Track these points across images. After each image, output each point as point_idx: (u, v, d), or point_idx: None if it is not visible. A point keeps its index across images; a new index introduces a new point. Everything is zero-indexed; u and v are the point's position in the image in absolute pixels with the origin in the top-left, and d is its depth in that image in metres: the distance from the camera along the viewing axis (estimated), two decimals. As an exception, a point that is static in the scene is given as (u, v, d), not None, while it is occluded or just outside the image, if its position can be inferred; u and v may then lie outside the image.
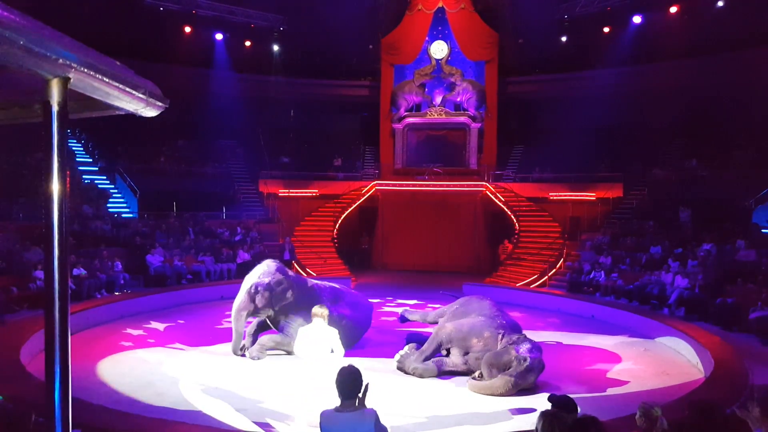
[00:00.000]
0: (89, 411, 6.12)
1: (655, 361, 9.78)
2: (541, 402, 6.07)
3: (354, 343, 9.78)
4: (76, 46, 1.73)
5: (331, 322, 6.73)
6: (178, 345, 10.33)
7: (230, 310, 9.57)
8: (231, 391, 7.81)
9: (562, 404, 3.52)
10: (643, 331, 11.86)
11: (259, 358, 9.39)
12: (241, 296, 9.41)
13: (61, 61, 1.65)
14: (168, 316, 12.77)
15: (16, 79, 1.84)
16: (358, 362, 8.50)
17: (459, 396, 7.78)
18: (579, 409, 3.59)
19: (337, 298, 10.02)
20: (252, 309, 9.36)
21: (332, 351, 6.16)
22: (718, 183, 18.07)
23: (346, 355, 6.44)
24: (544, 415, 3.22)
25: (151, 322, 12.10)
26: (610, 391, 8.04)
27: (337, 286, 10.77)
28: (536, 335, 11.62)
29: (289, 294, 9.42)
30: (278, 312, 9.55)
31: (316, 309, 6.41)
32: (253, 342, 9.74)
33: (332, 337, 6.21)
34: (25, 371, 7.48)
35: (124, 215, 18.47)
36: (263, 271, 9.56)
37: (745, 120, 19.89)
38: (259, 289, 9.29)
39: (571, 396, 3.77)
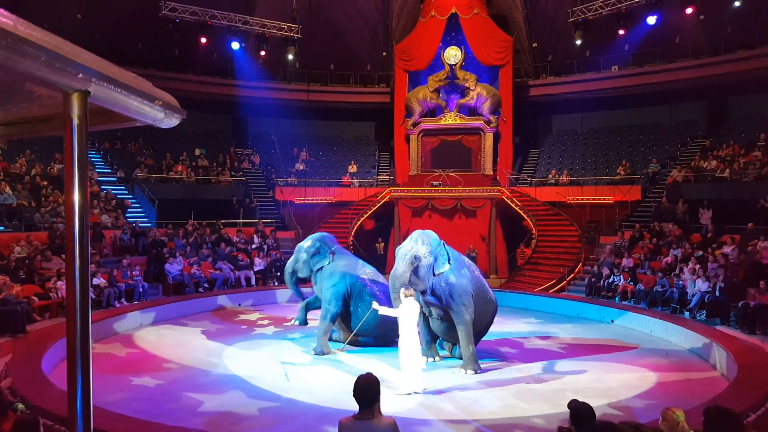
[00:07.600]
0: (109, 419, 6.18)
1: (677, 366, 9.64)
2: (561, 408, 6.02)
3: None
4: (95, 60, 1.76)
5: None
6: (197, 353, 10.39)
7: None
8: (251, 397, 7.84)
9: (580, 410, 3.48)
10: (664, 335, 11.70)
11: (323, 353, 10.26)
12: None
13: (81, 75, 1.68)
14: (187, 324, 12.87)
15: (37, 93, 1.87)
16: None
17: (486, 399, 7.72)
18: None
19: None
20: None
21: None
22: (738, 183, 17.75)
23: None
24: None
25: (170, 330, 12.20)
26: (632, 397, 7.93)
27: None
28: (554, 340, 11.59)
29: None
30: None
31: None
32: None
33: None
34: (46, 380, 7.58)
35: (142, 224, 18.65)
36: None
37: (764, 118, 19.57)
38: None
39: (592, 401, 3.73)
